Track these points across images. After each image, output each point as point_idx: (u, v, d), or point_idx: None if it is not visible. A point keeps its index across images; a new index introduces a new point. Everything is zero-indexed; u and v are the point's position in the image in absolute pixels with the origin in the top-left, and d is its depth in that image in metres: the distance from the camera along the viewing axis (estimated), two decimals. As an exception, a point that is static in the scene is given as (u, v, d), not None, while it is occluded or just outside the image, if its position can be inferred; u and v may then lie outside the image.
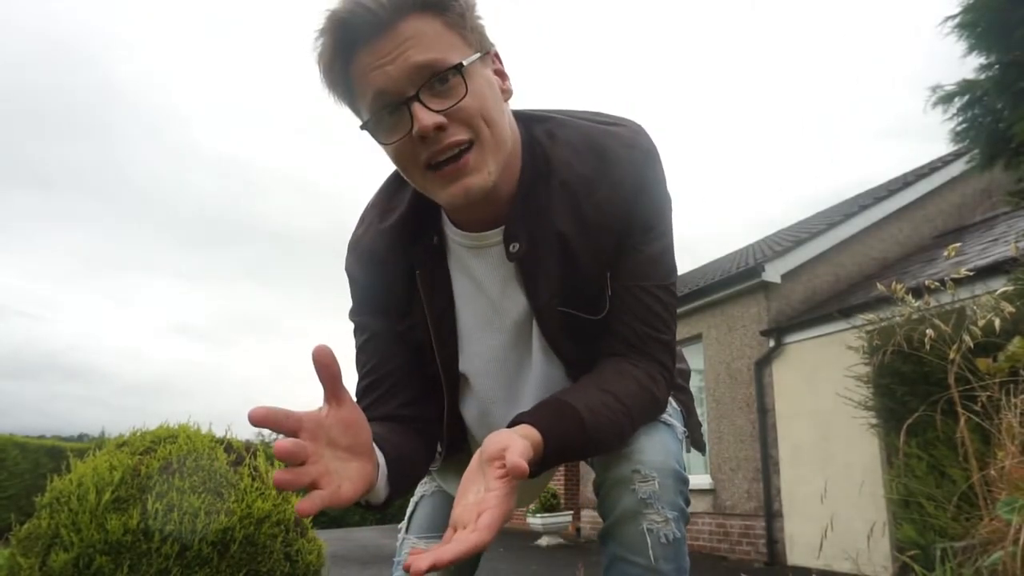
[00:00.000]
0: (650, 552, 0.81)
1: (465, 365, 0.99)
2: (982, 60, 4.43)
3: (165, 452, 2.36)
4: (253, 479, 2.42)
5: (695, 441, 1.09)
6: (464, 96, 0.80)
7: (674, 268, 0.95)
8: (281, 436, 0.67)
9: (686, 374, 1.12)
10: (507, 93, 0.89)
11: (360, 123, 0.85)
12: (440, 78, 0.79)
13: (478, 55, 0.83)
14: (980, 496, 1.93)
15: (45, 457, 10.84)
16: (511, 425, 0.79)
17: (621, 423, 0.85)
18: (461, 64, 0.80)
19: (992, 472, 1.89)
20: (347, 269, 1.03)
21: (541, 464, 0.80)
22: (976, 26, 4.25)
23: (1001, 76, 4.27)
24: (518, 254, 0.90)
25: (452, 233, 0.95)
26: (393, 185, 1.00)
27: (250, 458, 2.53)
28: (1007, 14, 4.09)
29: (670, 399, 1.01)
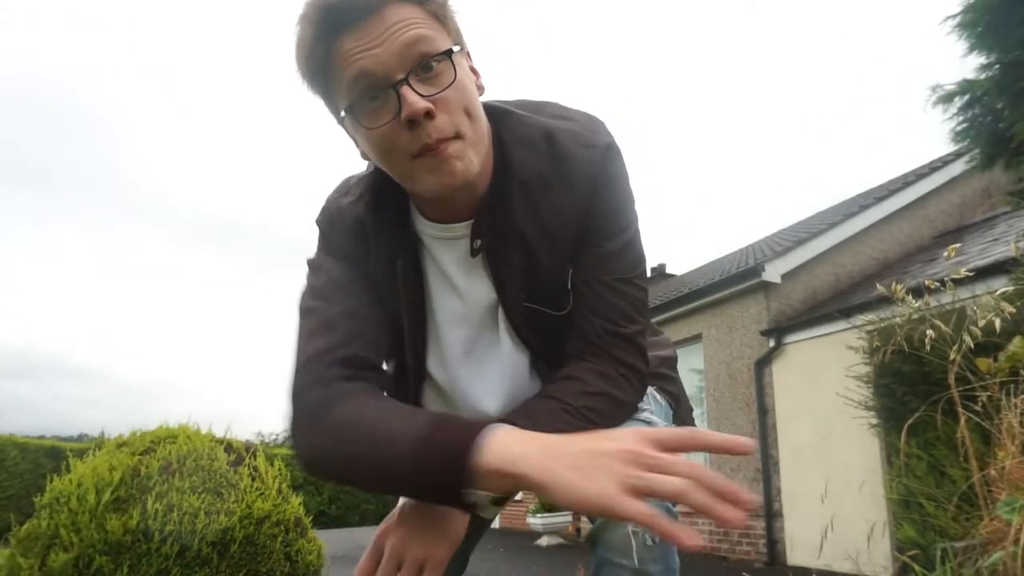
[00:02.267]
0: (635, 555, 0.81)
1: (433, 355, 0.99)
2: (982, 60, 4.43)
3: (165, 452, 2.36)
4: (253, 479, 2.42)
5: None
6: (452, 83, 0.79)
7: (640, 260, 0.93)
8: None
9: (671, 361, 1.10)
10: (481, 90, 0.88)
11: (341, 111, 0.82)
12: (428, 63, 0.78)
13: (459, 48, 0.82)
14: (980, 496, 1.93)
15: (45, 457, 10.86)
16: None
17: (568, 426, 0.80)
18: (451, 50, 0.79)
19: (992, 472, 1.89)
20: (324, 227, 0.97)
21: None
22: (976, 26, 4.25)
23: (1001, 76, 4.27)
24: (480, 250, 0.90)
25: (422, 225, 0.94)
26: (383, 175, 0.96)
27: (250, 458, 2.53)
28: (1007, 14, 4.09)
29: (653, 392, 1.00)
